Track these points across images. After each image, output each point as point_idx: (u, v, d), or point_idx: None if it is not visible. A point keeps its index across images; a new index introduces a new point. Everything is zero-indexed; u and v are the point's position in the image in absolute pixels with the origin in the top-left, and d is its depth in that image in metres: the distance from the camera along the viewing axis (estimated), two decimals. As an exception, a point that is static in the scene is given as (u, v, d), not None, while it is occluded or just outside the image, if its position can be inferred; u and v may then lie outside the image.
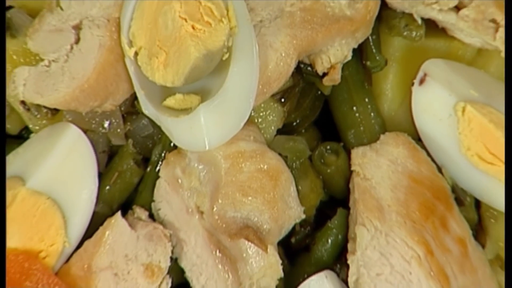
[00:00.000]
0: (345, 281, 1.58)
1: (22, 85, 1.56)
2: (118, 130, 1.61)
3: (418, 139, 1.61)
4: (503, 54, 1.58)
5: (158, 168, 1.61)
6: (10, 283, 1.57)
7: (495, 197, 1.60)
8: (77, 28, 1.57)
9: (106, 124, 1.61)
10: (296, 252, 1.64)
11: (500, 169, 1.59)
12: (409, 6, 1.57)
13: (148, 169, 1.62)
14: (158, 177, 1.60)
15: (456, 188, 1.60)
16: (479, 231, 1.62)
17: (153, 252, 1.56)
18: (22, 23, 1.62)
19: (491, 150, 1.57)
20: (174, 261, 1.59)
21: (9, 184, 1.60)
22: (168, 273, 1.57)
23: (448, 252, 1.56)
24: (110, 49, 1.55)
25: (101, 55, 1.55)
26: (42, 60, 1.57)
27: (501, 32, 1.56)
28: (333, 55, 1.58)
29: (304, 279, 1.57)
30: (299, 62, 1.59)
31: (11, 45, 1.62)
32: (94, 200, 1.59)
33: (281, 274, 1.57)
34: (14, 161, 1.63)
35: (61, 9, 1.58)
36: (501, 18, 1.57)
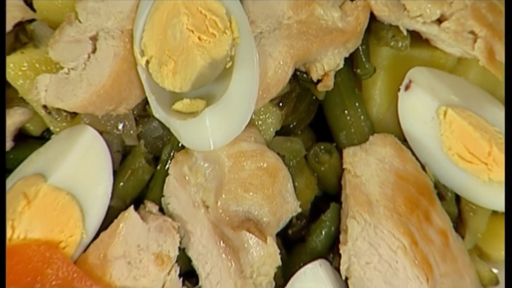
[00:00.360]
0: (337, 269, 1.59)
1: (44, 90, 1.56)
2: (131, 131, 1.62)
3: (404, 140, 1.62)
4: (481, 63, 1.58)
5: (167, 166, 1.61)
6: (33, 271, 1.56)
7: (474, 192, 1.61)
8: (94, 39, 1.58)
9: (120, 126, 1.62)
10: (293, 243, 1.65)
11: (478, 167, 1.60)
12: (395, 19, 1.58)
13: (158, 167, 1.63)
14: (167, 174, 1.61)
15: (438, 184, 1.61)
16: (459, 224, 1.63)
17: (163, 243, 1.57)
18: (44, 35, 1.63)
19: (470, 150, 1.58)
20: (182, 250, 1.59)
21: (32, 180, 1.61)
22: (176, 261, 1.58)
23: (431, 243, 1.57)
24: (123, 58, 1.56)
25: (116, 64, 1.56)
26: (62, 68, 1.57)
27: (479, 42, 1.56)
28: (327, 64, 1.59)
29: (300, 267, 1.58)
30: (296, 70, 1.60)
31: (34, 54, 1.62)
32: (109, 195, 1.60)
33: (279, 262, 1.58)
34: (37, 160, 1.64)
35: (79, 22, 1.59)
36: (479, 30, 1.57)
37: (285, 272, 1.61)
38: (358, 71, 1.64)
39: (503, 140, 1.61)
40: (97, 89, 1.57)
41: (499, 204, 1.63)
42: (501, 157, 1.58)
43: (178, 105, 1.56)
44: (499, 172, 1.59)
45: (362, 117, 1.63)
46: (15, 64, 1.64)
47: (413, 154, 1.62)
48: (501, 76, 1.64)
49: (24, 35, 1.70)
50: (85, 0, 1.61)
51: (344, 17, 1.60)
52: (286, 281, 1.60)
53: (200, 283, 1.62)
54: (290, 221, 1.63)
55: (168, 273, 1.59)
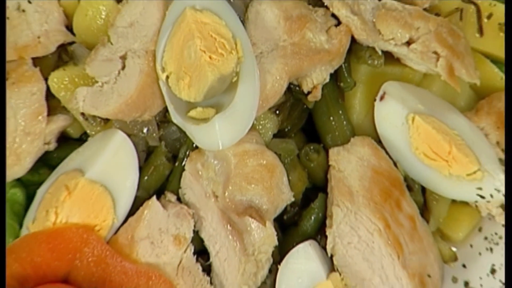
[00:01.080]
0: (324, 248, 1.60)
1: (82, 100, 1.58)
2: (154, 134, 1.63)
3: (379, 141, 1.63)
4: (443, 78, 1.59)
5: (184, 163, 1.63)
6: (73, 249, 1.58)
7: (436, 184, 1.62)
8: (123, 58, 1.60)
9: (144, 130, 1.63)
10: (287, 226, 1.66)
11: (440, 164, 1.61)
12: (372, 42, 1.59)
13: (176, 164, 1.64)
14: (184, 170, 1.62)
15: (407, 178, 1.63)
16: (424, 210, 1.64)
17: (180, 226, 1.60)
18: (82, 54, 1.64)
19: (433, 149, 1.59)
20: (196, 233, 1.61)
21: (72, 175, 1.63)
22: (191, 242, 1.60)
23: (402, 226, 1.58)
24: (148, 74, 1.58)
25: (141, 78, 1.58)
26: (96, 82, 1.59)
27: (441, 61, 1.57)
28: (315, 78, 1.60)
29: (293, 247, 1.60)
30: (290, 83, 1.61)
31: (73, 71, 1.64)
32: (136, 187, 1.61)
33: (276, 242, 1.60)
34: (76, 157, 1.66)
35: (111, 44, 1.61)
36: (441, 51, 1.58)
37: (281, 251, 1.62)
38: (341, 84, 1.65)
39: (461, 141, 1.61)
40: (125, 99, 1.58)
41: (458, 194, 1.65)
42: (459, 155, 1.59)
43: (192, 113, 1.58)
44: (457, 168, 1.60)
45: (344, 122, 1.64)
46: (58, 78, 1.66)
47: (387, 153, 1.63)
48: (459, 88, 1.63)
49: (65, 55, 1.71)
50: (116, 26, 1.62)
51: (330, 40, 1.61)
52: (281, 258, 1.61)
53: (210, 260, 1.63)
54: (285, 208, 1.64)
55: (184, 251, 1.60)
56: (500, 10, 1.67)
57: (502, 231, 1.68)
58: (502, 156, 1.62)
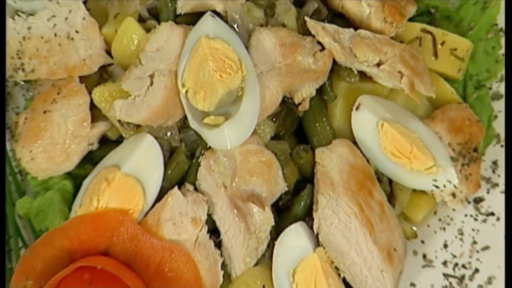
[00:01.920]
0: (311, 228, 1.63)
1: (119, 110, 1.61)
2: (176, 137, 1.65)
3: (355, 143, 1.65)
4: (405, 92, 1.59)
5: (199, 160, 1.65)
6: (111, 229, 1.61)
7: (401, 177, 1.64)
8: (151, 76, 1.62)
9: (168, 134, 1.65)
10: (282, 210, 1.69)
11: (403, 161, 1.62)
12: (349, 63, 1.61)
13: (194, 160, 1.66)
14: (199, 165, 1.64)
15: (377, 172, 1.65)
16: (391, 198, 1.66)
17: (196, 210, 1.62)
18: (118, 74, 1.66)
19: (398, 149, 1.61)
20: (209, 215, 1.64)
21: (110, 169, 1.65)
22: (205, 222, 1.63)
23: (373, 210, 1.61)
24: (171, 89, 1.61)
25: (166, 93, 1.60)
26: (130, 95, 1.62)
27: (404, 79, 1.58)
28: (304, 92, 1.63)
29: (286, 227, 1.62)
30: (284, 96, 1.63)
31: (112, 86, 1.66)
32: (161, 179, 1.63)
33: (273, 223, 1.63)
34: (113, 156, 1.68)
35: (142, 65, 1.62)
36: (404, 70, 1.59)
37: (277, 230, 1.65)
38: (325, 97, 1.67)
39: (420, 143, 1.62)
40: (153, 109, 1.61)
41: (418, 185, 1.66)
42: (418, 154, 1.60)
43: (206, 120, 1.60)
44: (417, 164, 1.61)
45: (327, 127, 1.66)
46: (99, 93, 1.68)
47: (361, 152, 1.66)
48: (418, 101, 1.63)
49: (105, 74, 1.74)
50: (145, 51, 1.64)
51: (316, 62, 1.63)
52: (277, 235, 1.64)
53: (221, 237, 1.65)
54: (280, 196, 1.66)
55: (200, 230, 1.63)
56: (451, 38, 1.68)
57: (452, 214, 1.70)
58: (453, 154, 1.64)
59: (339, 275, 1.63)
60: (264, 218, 1.63)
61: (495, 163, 1.70)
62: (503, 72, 1.70)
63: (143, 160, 1.65)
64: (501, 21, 1.70)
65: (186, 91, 1.62)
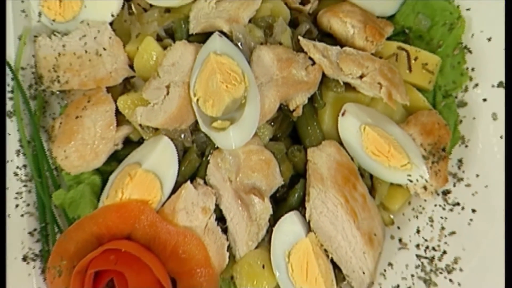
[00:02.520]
0: (304, 216, 1.65)
1: (140, 116, 1.63)
2: (188, 139, 1.67)
3: (341, 143, 1.67)
4: (384, 101, 1.61)
5: (208, 158, 1.66)
6: (133, 217, 1.63)
7: (380, 172, 1.65)
8: (168, 87, 1.63)
9: (182, 136, 1.67)
10: (279, 201, 1.70)
11: (382, 159, 1.63)
12: (336, 76, 1.62)
13: (204, 159, 1.68)
14: (208, 163, 1.66)
15: (360, 168, 1.67)
16: (372, 190, 1.68)
17: (206, 201, 1.64)
18: (140, 85, 1.68)
19: (378, 149, 1.63)
20: (217, 205, 1.65)
21: (133, 166, 1.67)
22: (214, 211, 1.64)
23: (356, 201, 1.63)
24: (184, 98, 1.63)
25: (180, 101, 1.63)
26: (149, 103, 1.63)
27: (383, 89, 1.59)
28: (298, 101, 1.64)
29: (283, 215, 1.64)
30: (280, 104, 1.65)
31: (134, 96, 1.67)
32: (176, 175, 1.65)
33: (271, 212, 1.65)
34: (135, 154, 1.69)
35: (159, 77, 1.64)
36: (383, 82, 1.60)
37: (275, 217, 1.67)
38: (316, 105, 1.69)
39: (397, 144, 1.63)
40: (169, 115, 1.63)
41: (394, 179, 1.67)
42: (395, 153, 1.61)
43: (214, 124, 1.62)
44: (394, 161, 1.63)
45: (318, 131, 1.68)
46: (123, 101, 1.70)
47: (346, 151, 1.67)
48: (395, 108, 1.65)
49: (128, 85, 1.75)
50: (163, 65, 1.65)
51: (308, 74, 1.65)
52: (275, 222, 1.66)
53: (227, 224, 1.66)
54: (277, 189, 1.68)
55: (209, 218, 1.64)
56: (423, 54, 1.69)
57: (424, 204, 1.72)
58: (424, 153, 1.65)
59: (328, 256, 1.64)
60: (263, 208, 1.65)
61: (460, 161, 1.72)
62: (467, 83, 1.72)
63: (161, 158, 1.66)
64: (465, 39, 1.72)
65: (197, 100, 1.63)
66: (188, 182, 1.66)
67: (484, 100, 1.70)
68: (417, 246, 1.70)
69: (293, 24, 1.76)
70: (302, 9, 1.76)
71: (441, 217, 1.70)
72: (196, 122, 1.67)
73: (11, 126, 1.70)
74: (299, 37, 1.70)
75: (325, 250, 1.65)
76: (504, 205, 1.61)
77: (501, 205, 1.63)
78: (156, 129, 1.70)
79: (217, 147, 1.67)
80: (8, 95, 1.72)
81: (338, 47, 1.68)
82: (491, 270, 1.62)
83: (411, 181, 1.66)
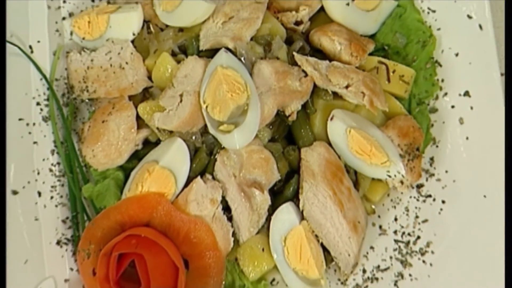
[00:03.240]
0: (298, 206, 1.66)
1: (157, 120, 1.64)
2: (199, 140, 1.68)
3: (330, 144, 1.67)
4: (367, 107, 1.62)
5: (216, 156, 1.67)
6: (151, 207, 1.63)
7: (363, 169, 1.65)
8: (181, 95, 1.64)
9: (193, 137, 1.68)
10: (276, 194, 1.70)
11: (365, 157, 1.63)
12: (325, 86, 1.63)
13: (212, 157, 1.69)
14: (216, 160, 1.67)
15: (346, 165, 1.67)
16: (356, 184, 1.68)
17: (214, 193, 1.65)
18: (157, 94, 1.69)
19: (361, 149, 1.63)
20: (223, 197, 1.65)
21: (151, 163, 1.66)
22: (220, 202, 1.65)
23: (343, 193, 1.64)
24: (195, 105, 1.64)
25: (191, 108, 1.63)
26: (165, 109, 1.65)
27: (366, 97, 1.60)
28: (293, 107, 1.65)
29: (279, 205, 1.65)
30: (278, 110, 1.65)
31: (152, 103, 1.67)
32: (188, 171, 1.65)
33: (269, 203, 1.66)
34: (153, 153, 1.69)
35: (174, 87, 1.66)
36: (366, 91, 1.61)
37: (273, 208, 1.67)
38: (308, 111, 1.69)
39: (377, 144, 1.63)
40: (182, 120, 1.64)
41: (375, 175, 1.67)
42: (376, 152, 1.62)
43: (221, 127, 1.63)
44: (375, 159, 1.63)
45: (310, 133, 1.68)
46: (143, 108, 1.70)
47: (334, 151, 1.67)
48: (376, 113, 1.67)
49: (147, 94, 1.76)
50: (177, 77, 1.66)
51: (301, 85, 1.66)
52: (273, 212, 1.67)
53: (232, 213, 1.67)
54: (275, 183, 1.69)
55: (216, 208, 1.65)
56: (400, 68, 1.69)
57: (401, 196, 1.71)
58: (401, 152, 1.65)
59: (318, 241, 1.65)
60: (263, 199, 1.66)
61: (431, 159, 1.72)
62: (438, 92, 1.72)
63: (175, 156, 1.67)
64: (436, 55, 1.73)
65: (206, 106, 1.64)
66: (199, 177, 1.66)
67: (452, 107, 1.71)
68: (395, 232, 1.70)
69: (289, 41, 1.77)
70: (296, 29, 1.77)
71: (415, 207, 1.70)
72: (205, 125, 1.67)
73: (46, 129, 1.71)
74: (294, 53, 1.71)
75: (316, 236, 1.65)
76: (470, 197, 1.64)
77: (467, 196, 1.65)
78: (171, 132, 1.70)
79: (223, 147, 1.68)
80: (44, 102, 1.73)
81: (327, 62, 1.69)
82: (458, 252, 1.64)
83: (389, 176, 1.66)
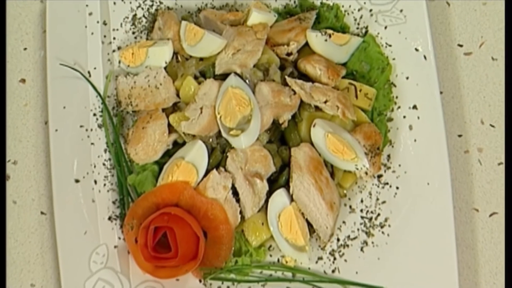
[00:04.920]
0: (288, 191, 1.65)
1: (183, 127, 1.64)
2: (214, 142, 1.68)
3: (312, 145, 1.66)
4: (340, 117, 1.61)
5: (227, 154, 1.67)
6: (178, 192, 1.62)
7: (338, 163, 1.65)
8: (201, 108, 1.64)
9: (210, 140, 1.68)
10: (272, 182, 1.69)
11: (338, 155, 1.62)
12: (309, 101, 1.63)
13: (224, 154, 1.68)
14: (227, 157, 1.66)
15: (325, 161, 1.66)
16: (332, 175, 1.67)
17: (226, 181, 1.64)
18: (183, 107, 1.69)
19: (336, 148, 1.63)
20: (233, 185, 1.64)
21: (178, 159, 1.65)
22: (231, 188, 1.64)
23: (322, 182, 1.64)
24: (211, 115, 1.64)
25: (209, 118, 1.64)
26: (189, 119, 1.65)
27: (340, 109, 1.59)
28: (284, 117, 1.65)
29: (275, 191, 1.65)
30: (273, 119, 1.66)
31: (180, 114, 1.67)
32: (206, 165, 1.63)
33: (267, 189, 1.65)
34: (181, 151, 1.68)
35: (196, 102, 1.66)
36: (339, 105, 1.61)
37: (270, 192, 1.67)
38: (296, 120, 1.69)
39: (348, 145, 1.62)
40: (202, 127, 1.64)
41: (347, 167, 1.66)
42: (347, 151, 1.61)
43: (231, 132, 1.63)
44: (346, 156, 1.62)
45: (297, 137, 1.68)
46: (173, 117, 1.68)
47: (316, 150, 1.67)
48: (347, 121, 1.67)
49: (176, 107, 1.75)
50: (198, 94, 1.67)
51: (291, 100, 1.67)
52: (270, 195, 1.66)
53: (239, 196, 1.66)
54: (271, 174, 1.69)
55: (228, 193, 1.64)
56: (365, 88, 1.68)
57: (366, 184, 1.68)
58: (366, 151, 1.65)
59: (304, 217, 1.66)
60: (262, 186, 1.66)
61: (388, 156, 1.70)
62: (393, 106, 1.72)
63: (197, 154, 1.67)
64: (392, 78, 1.72)
65: (220, 116, 1.65)
66: (214, 169, 1.66)
67: (404, 117, 1.71)
68: (361, 210, 1.69)
69: (282, 68, 1.77)
70: (287, 58, 1.77)
71: (376, 192, 1.69)
72: (219, 131, 1.68)
73: (101, 133, 1.72)
74: (286, 77, 1.71)
75: (302, 213, 1.65)
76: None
77: (415, 184, 1.65)
78: (194, 136, 1.70)
79: (233, 147, 1.68)
80: (99, 113, 1.74)
81: (311, 83, 1.69)
82: (408, 225, 1.64)
83: (357, 169, 1.66)
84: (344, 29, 1.80)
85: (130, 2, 1.83)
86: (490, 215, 1.69)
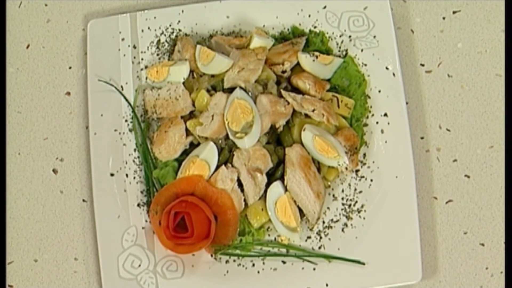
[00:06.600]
0: (283, 183, 1.58)
1: (198, 131, 1.58)
2: (223, 143, 1.62)
3: (303, 146, 1.59)
4: (326, 122, 1.55)
5: (233, 153, 1.60)
6: (193, 183, 1.55)
7: (323, 160, 1.59)
8: (212, 116, 1.57)
9: (219, 141, 1.61)
10: (270, 176, 1.62)
11: (324, 153, 1.56)
12: (300, 110, 1.57)
13: (231, 153, 1.61)
14: (233, 155, 1.59)
15: (313, 158, 1.59)
16: (319, 169, 1.60)
17: (232, 175, 1.57)
18: (198, 115, 1.61)
19: (322, 148, 1.56)
20: (238, 178, 1.57)
21: (194, 157, 1.58)
22: (236, 181, 1.57)
23: (311, 175, 1.57)
24: (221, 121, 1.58)
25: (219, 123, 1.58)
26: (203, 124, 1.59)
27: (325, 116, 1.52)
28: (280, 123, 1.59)
29: (272, 183, 1.58)
30: (271, 125, 1.59)
31: (195, 121, 1.59)
32: (217, 162, 1.57)
33: (266, 181, 1.58)
34: (196, 151, 1.61)
35: (208, 111, 1.59)
36: (325, 112, 1.54)
37: (268, 184, 1.60)
38: (289, 125, 1.63)
39: (332, 145, 1.55)
40: (213, 131, 1.58)
41: (330, 163, 1.59)
42: (331, 150, 1.54)
43: (237, 135, 1.57)
44: (330, 155, 1.56)
45: (291, 139, 1.61)
46: (189, 123, 1.62)
47: (306, 149, 1.59)
48: (331, 126, 1.60)
49: (192, 115, 1.67)
50: (210, 104, 1.60)
51: (285, 109, 1.60)
52: (268, 186, 1.59)
53: (243, 187, 1.59)
54: (269, 169, 1.61)
55: (234, 184, 1.58)
56: (345, 99, 1.61)
57: (346, 177, 1.62)
58: (346, 150, 1.58)
59: (296, 204, 1.60)
60: (262, 179, 1.60)
61: (364, 154, 1.65)
62: (368, 114, 1.66)
63: (209, 153, 1.61)
64: (367, 91, 1.65)
65: (228, 122, 1.59)
66: (223, 165, 1.61)
67: (377, 122, 1.66)
68: (342, 198, 1.64)
69: (278, 83, 1.71)
70: (282, 75, 1.71)
71: (355, 183, 1.63)
72: (227, 134, 1.62)
73: (131, 136, 1.66)
74: (281, 90, 1.66)
75: (294, 201, 1.60)
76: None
77: (386, 177, 1.60)
78: (207, 138, 1.65)
79: (238, 147, 1.62)
80: (130, 120, 1.68)
81: (301, 95, 1.64)
82: (380, 211, 1.60)
83: (339, 165, 1.61)
84: (328, 52, 1.76)
85: (155, 30, 1.79)
86: (447, 202, 1.67)
